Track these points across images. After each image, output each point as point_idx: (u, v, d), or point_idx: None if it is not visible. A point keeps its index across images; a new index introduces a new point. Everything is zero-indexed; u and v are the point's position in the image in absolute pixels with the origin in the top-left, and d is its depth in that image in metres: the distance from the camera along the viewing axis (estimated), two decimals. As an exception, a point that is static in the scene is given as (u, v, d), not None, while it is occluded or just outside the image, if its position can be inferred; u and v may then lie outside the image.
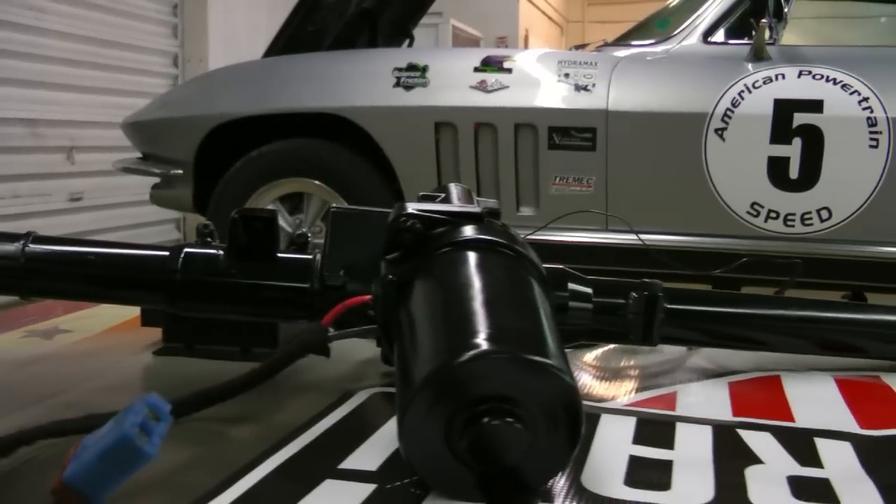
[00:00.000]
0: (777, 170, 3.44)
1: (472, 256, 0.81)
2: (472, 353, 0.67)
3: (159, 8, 7.05)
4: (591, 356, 1.18)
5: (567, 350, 1.13)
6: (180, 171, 4.03)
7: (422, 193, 0.97)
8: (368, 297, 0.87)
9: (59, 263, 1.08)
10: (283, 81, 3.98)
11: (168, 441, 0.85)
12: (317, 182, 3.79)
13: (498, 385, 0.67)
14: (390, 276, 0.82)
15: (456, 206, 0.90)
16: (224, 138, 3.93)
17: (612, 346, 1.20)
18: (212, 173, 3.95)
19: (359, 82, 3.83)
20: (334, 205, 1.09)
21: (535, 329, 0.74)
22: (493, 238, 0.83)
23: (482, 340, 0.68)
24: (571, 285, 1.01)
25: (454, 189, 1.01)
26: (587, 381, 1.07)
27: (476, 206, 0.90)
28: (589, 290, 1.01)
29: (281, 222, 3.80)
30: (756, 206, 3.47)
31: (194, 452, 0.85)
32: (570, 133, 3.56)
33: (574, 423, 0.69)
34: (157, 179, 4.20)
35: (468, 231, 0.84)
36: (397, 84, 3.71)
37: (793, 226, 3.48)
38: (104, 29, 6.25)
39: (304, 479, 0.75)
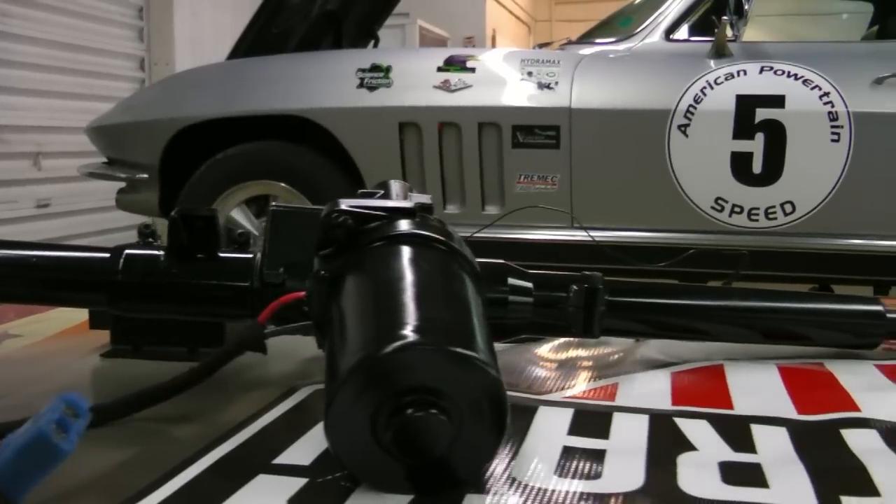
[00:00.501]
0: (740, 165, 3.46)
1: (402, 251, 0.81)
2: (397, 344, 0.67)
3: (124, 11, 7.01)
4: (534, 349, 1.19)
5: (511, 343, 1.14)
6: (146, 176, 4.01)
7: (361, 190, 0.98)
8: (303, 293, 0.87)
9: (2, 266, 1.08)
10: (247, 84, 3.97)
11: (107, 441, 0.86)
12: (282, 184, 3.79)
13: (423, 377, 0.67)
14: (322, 272, 0.83)
15: (387, 201, 0.91)
16: (190, 141, 3.91)
17: (560, 339, 1.21)
18: (178, 177, 3.93)
19: (323, 84, 3.83)
20: (274, 203, 1.09)
21: (462, 322, 0.74)
22: (424, 233, 0.83)
23: (409, 332, 0.68)
24: (511, 280, 1.01)
25: (394, 185, 1.01)
26: (530, 374, 1.08)
27: (408, 201, 0.91)
28: (529, 285, 1.02)
29: (247, 225, 3.80)
30: (720, 201, 3.50)
31: (133, 452, 0.85)
32: (534, 131, 3.57)
33: (499, 416, 0.69)
34: (122, 184, 4.17)
35: (399, 226, 0.84)
36: (361, 85, 3.71)
37: (757, 220, 3.50)
38: (69, 33, 6.22)
39: (237, 475, 0.75)
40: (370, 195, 0.95)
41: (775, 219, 3.49)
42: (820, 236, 3.52)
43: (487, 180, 3.68)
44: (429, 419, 0.66)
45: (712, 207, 3.51)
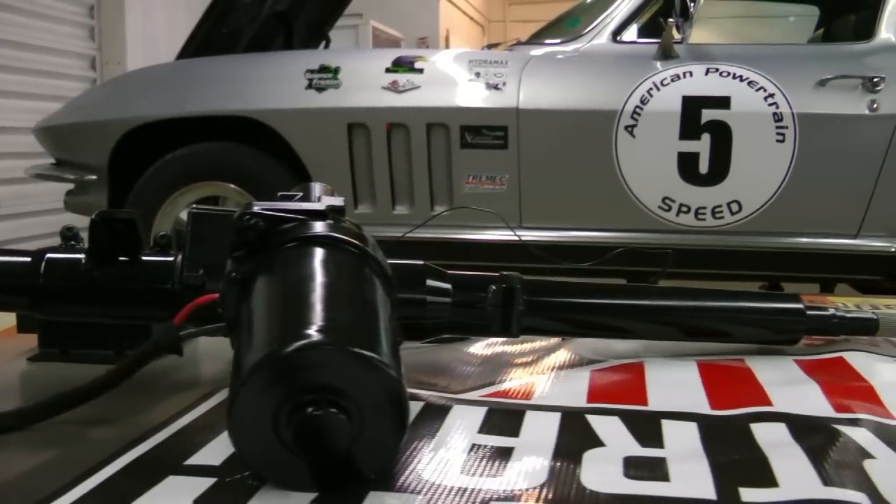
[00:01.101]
0: (687, 165, 3.49)
1: (311, 252, 0.82)
2: (299, 343, 0.68)
3: (75, 10, 6.95)
4: (460, 349, 1.20)
5: (434, 343, 1.15)
6: (94, 177, 3.98)
7: (281, 193, 0.98)
8: (216, 294, 0.88)
9: None
10: (196, 84, 3.96)
11: (24, 445, 0.86)
12: (232, 186, 3.78)
13: (324, 376, 0.68)
14: (234, 274, 0.83)
15: (298, 203, 0.91)
16: (139, 142, 3.89)
17: (484, 339, 1.22)
18: (127, 178, 3.91)
19: (271, 85, 3.82)
20: (194, 205, 1.09)
21: (366, 324, 0.75)
22: (334, 235, 0.84)
23: (312, 332, 0.69)
24: (429, 281, 1.02)
25: (315, 187, 1.02)
26: (452, 373, 1.08)
27: (319, 203, 0.91)
28: (447, 286, 1.03)
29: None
30: (667, 201, 3.53)
31: (50, 455, 0.85)
32: (482, 132, 3.58)
33: (399, 415, 0.70)
34: (71, 186, 4.15)
35: (309, 228, 0.85)
36: (309, 86, 3.71)
37: (704, 219, 3.53)
38: (19, 31, 6.15)
39: (148, 476, 0.75)
40: (289, 198, 0.96)
41: (722, 218, 3.53)
42: (767, 235, 3.56)
43: (436, 181, 3.69)
44: (328, 417, 0.67)
45: (659, 207, 3.54)
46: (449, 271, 1.05)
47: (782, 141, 3.44)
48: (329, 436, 0.68)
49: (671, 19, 3.50)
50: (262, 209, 0.86)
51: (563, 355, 1.16)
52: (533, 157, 3.59)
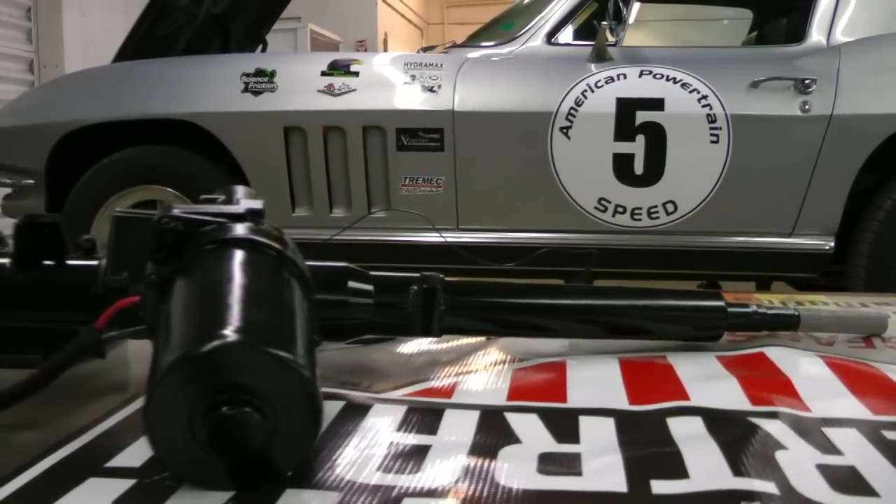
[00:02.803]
0: (622, 166, 3.54)
1: (229, 255, 0.82)
2: (214, 343, 0.68)
3: (12, 12, 6.88)
4: (384, 349, 1.20)
5: (358, 344, 1.16)
6: (32, 181, 3.96)
7: (203, 196, 0.98)
8: (137, 297, 0.88)
9: None
10: (133, 87, 3.95)
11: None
12: (170, 189, 3.76)
13: (239, 375, 0.69)
14: (153, 276, 0.84)
15: (217, 206, 0.92)
16: (77, 146, 3.86)
17: (408, 339, 1.23)
18: (65, 182, 3.88)
19: (208, 88, 3.82)
20: (118, 209, 1.09)
21: (281, 324, 0.76)
22: (251, 237, 0.84)
23: (227, 332, 0.70)
24: (351, 283, 1.03)
25: (238, 190, 1.02)
26: (375, 373, 1.09)
27: (238, 206, 0.92)
28: (369, 287, 1.04)
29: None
30: (603, 202, 3.56)
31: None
32: (418, 134, 3.60)
33: (313, 413, 0.71)
34: (9, 190, 4.11)
35: (228, 230, 0.85)
36: (246, 89, 3.71)
37: (640, 219, 3.58)
38: (-45, 34, 6.09)
39: (68, 479, 0.75)
40: (211, 201, 0.96)
41: (658, 218, 3.57)
42: (702, 234, 3.62)
43: (373, 183, 3.70)
44: (242, 416, 0.68)
45: (595, 208, 3.58)
46: (371, 272, 1.06)
47: (716, 142, 3.49)
48: (243, 434, 0.69)
49: (605, 22, 3.53)
50: (181, 212, 0.86)
51: (488, 355, 1.17)
52: (469, 158, 3.62)
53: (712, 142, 3.50)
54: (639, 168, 3.54)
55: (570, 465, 0.77)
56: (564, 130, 3.52)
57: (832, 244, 3.57)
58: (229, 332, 0.70)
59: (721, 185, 3.53)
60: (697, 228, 3.60)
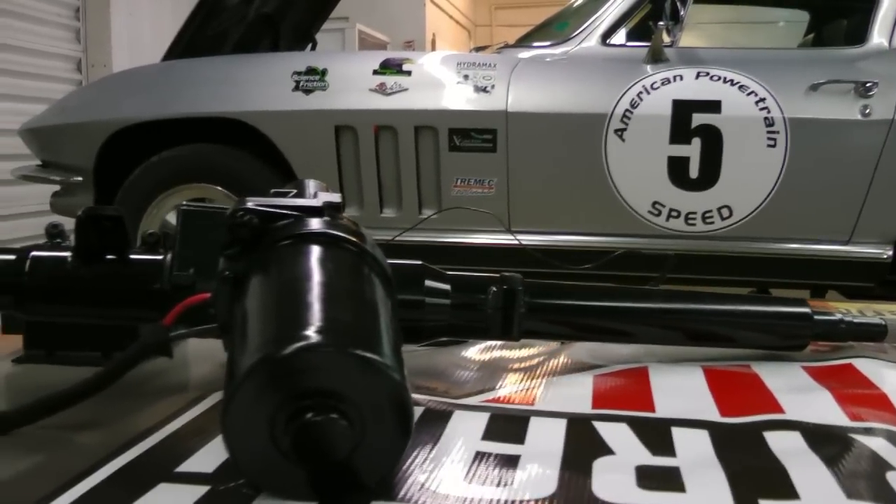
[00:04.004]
0: (677, 169, 3.48)
1: (308, 250, 0.78)
2: (297, 345, 0.64)
3: (60, 12, 6.91)
4: (458, 352, 1.16)
5: (432, 347, 1.12)
6: (80, 179, 3.96)
7: (274, 190, 0.94)
8: (208, 294, 0.84)
9: None
10: (183, 85, 3.94)
11: (5, 451, 0.82)
12: (219, 188, 3.75)
13: (324, 379, 0.64)
14: (226, 272, 0.80)
15: (294, 199, 0.88)
16: (125, 144, 3.85)
17: (481, 342, 1.18)
18: (114, 180, 3.88)
19: (258, 86, 3.80)
20: (184, 202, 1.05)
21: (367, 324, 0.71)
22: (331, 232, 0.80)
23: (310, 333, 0.65)
24: (428, 282, 0.98)
25: (309, 184, 0.99)
26: (451, 377, 1.05)
27: (316, 199, 0.88)
28: (447, 287, 0.99)
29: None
30: (657, 206, 3.51)
31: (33, 462, 0.81)
32: (471, 135, 3.56)
33: (403, 421, 0.66)
34: (57, 187, 4.11)
35: (305, 225, 0.81)
36: (297, 88, 3.69)
37: (694, 224, 3.52)
38: (3, 33, 6.11)
39: (137, 484, 0.71)
40: (283, 194, 0.92)
41: (712, 223, 3.52)
42: (757, 240, 3.55)
43: (424, 184, 3.67)
44: (328, 423, 0.64)
45: (649, 212, 3.52)
46: (447, 272, 1.02)
47: (773, 146, 3.43)
48: (329, 443, 0.64)
49: (661, 22, 3.48)
50: (257, 205, 0.82)
51: (561, 360, 1.13)
52: (521, 160, 3.57)
53: (769, 146, 3.44)
54: (694, 171, 3.49)
55: (670, 479, 0.72)
56: (619, 132, 3.47)
57: (891, 253, 3.50)
58: (312, 333, 0.66)
59: (777, 191, 3.46)
60: (752, 234, 3.54)
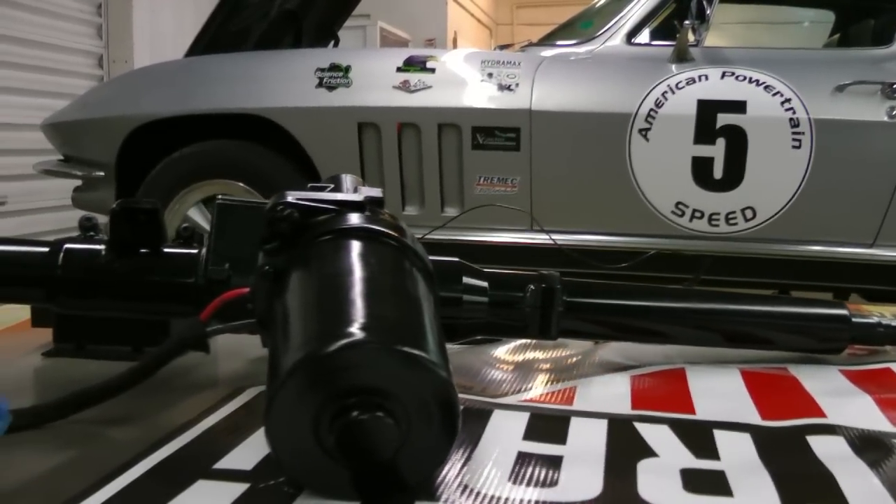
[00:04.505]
0: (701, 170, 3.45)
1: (349, 245, 0.77)
2: (342, 342, 0.63)
3: (83, 7, 6.93)
4: (492, 351, 1.15)
5: (464, 345, 1.11)
6: (102, 174, 3.96)
7: (311, 184, 0.93)
8: (247, 289, 0.83)
9: None
10: (205, 82, 3.93)
11: (42, 445, 0.81)
12: (240, 184, 3.74)
13: (369, 377, 0.63)
14: (266, 267, 0.79)
15: (335, 194, 0.87)
16: (147, 139, 3.85)
17: (515, 341, 1.17)
18: (135, 175, 3.87)
19: (281, 83, 3.79)
20: (220, 196, 1.04)
21: (411, 321, 0.70)
22: (373, 227, 0.79)
23: (354, 330, 0.64)
24: (466, 279, 0.97)
25: (345, 179, 0.98)
26: (486, 376, 1.04)
27: (358, 194, 0.87)
28: (484, 284, 0.98)
29: (205, 224, 3.75)
30: (681, 206, 3.48)
31: (69, 456, 0.80)
32: (494, 133, 3.54)
33: (449, 419, 0.65)
34: (79, 182, 4.12)
35: (347, 219, 0.80)
36: (320, 84, 3.68)
37: (717, 225, 3.49)
38: (26, 28, 6.14)
39: (176, 480, 0.71)
40: (321, 188, 0.91)
41: (736, 224, 3.49)
42: (780, 242, 3.52)
43: (447, 182, 3.65)
44: (374, 422, 0.63)
45: (672, 212, 3.50)
46: (484, 269, 1.00)
47: (798, 147, 3.40)
48: (375, 442, 0.63)
49: (687, 21, 3.46)
50: (297, 199, 0.81)
51: (596, 359, 1.12)
52: (545, 159, 3.55)
53: (794, 147, 3.41)
54: (718, 172, 3.46)
55: (716, 483, 0.71)
56: (643, 132, 3.45)
57: (915, 256, 3.47)
58: (356, 330, 0.65)
59: (802, 192, 3.43)
60: (775, 236, 3.51)
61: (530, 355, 1.15)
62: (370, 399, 0.63)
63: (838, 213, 3.50)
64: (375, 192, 0.87)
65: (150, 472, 0.73)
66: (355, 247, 0.77)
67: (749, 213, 3.47)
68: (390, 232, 0.79)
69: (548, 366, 1.09)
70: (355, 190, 0.91)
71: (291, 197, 0.82)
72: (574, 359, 1.12)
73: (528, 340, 1.16)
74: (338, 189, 0.93)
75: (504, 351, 1.16)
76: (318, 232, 0.79)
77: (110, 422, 0.89)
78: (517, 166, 3.56)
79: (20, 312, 1.33)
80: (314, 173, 3.66)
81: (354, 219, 0.80)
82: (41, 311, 1.20)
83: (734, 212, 3.48)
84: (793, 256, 3.54)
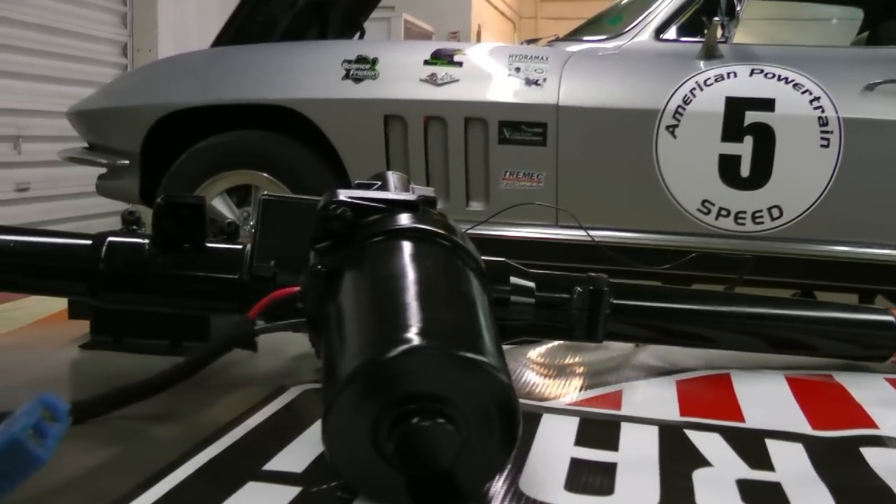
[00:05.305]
0: (728, 168, 3.43)
1: (404, 246, 0.76)
2: (401, 348, 0.62)
3: (108, -4, 6.95)
4: (533, 353, 1.14)
5: (508, 347, 1.10)
6: (126, 162, 3.96)
7: (357, 181, 0.92)
8: (296, 288, 0.82)
9: None
10: (231, 72, 3.93)
11: (84, 442, 0.80)
12: (265, 174, 3.74)
13: (429, 383, 0.62)
14: (318, 266, 0.78)
15: (389, 193, 0.85)
16: (172, 128, 3.85)
17: (555, 342, 1.16)
18: (160, 164, 3.88)
19: (308, 74, 3.78)
20: (265, 192, 1.03)
21: (469, 324, 0.69)
22: (428, 227, 0.78)
23: (413, 335, 0.63)
24: (513, 279, 0.96)
25: (391, 176, 0.97)
26: (530, 379, 1.03)
27: (411, 193, 0.86)
28: (531, 285, 0.97)
29: (229, 215, 3.75)
30: (707, 204, 3.47)
31: (112, 454, 0.80)
32: (521, 128, 3.53)
33: (510, 426, 0.64)
34: (103, 170, 4.12)
35: (401, 219, 0.79)
36: (346, 76, 3.66)
37: (744, 224, 3.47)
38: (52, 16, 6.15)
39: (225, 481, 0.70)
40: (367, 186, 0.90)
41: (762, 223, 3.47)
42: (806, 242, 3.49)
43: (472, 176, 3.64)
44: (435, 429, 0.62)
45: (699, 210, 3.48)
46: (530, 269, 0.99)
47: (826, 146, 3.37)
48: (435, 449, 0.62)
49: (716, 17, 3.43)
50: (350, 197, 0.80)
51: (638, 362, 1.11)
52: (571, 154, 3.54)
53: (822, 146, 3.38)
54: (745, 170, 3.43)
55: (774, 496, 0.70)
56: (671, 129, 3.43)
57: (943, 258, 3.44)
58: (414, 335, 0.64)
59: (829, 192, 3.41)
60: (802, 235, 3.48)
61: (568, 357, 1.14)
62: (430, 405, 0.62)
63: (866, 214, 3.48)
64: (428, 192, 0.86)
65: (198, 472, 0.73)
66: (410, 248, 0.76)
67: (776, 212, 3.45)
68: (444, 232, 0.78)
69: (589, 368, 1.08)
70: (406, 188, 0.90)
71: (344, 195, 0.81)
72: (615, 362, 1.11)
73: (561, 342, 1.15)
74: (384, 187, 0.92)
75: (540, 352, 1.15)
76: (372, 232, 0.78)
77: (151, 419, 0.88)
78: (543, 161, 3.54)
79: (53, 303, 1.33)
80: (339, 165, 3.65)
81: (408, 219, 0.79)
82: (78, 302, 1.20)
83: (761, 210, 3.46)
84: (819, 257, 3.51)
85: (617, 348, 1.15)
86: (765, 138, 3.40)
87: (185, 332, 1.13)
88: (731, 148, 3.43)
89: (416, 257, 0.75)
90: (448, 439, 0.62)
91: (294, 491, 0.68)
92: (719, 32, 3.49)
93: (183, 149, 3.84)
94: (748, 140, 3.42)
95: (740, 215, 3.47)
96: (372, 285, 0.74)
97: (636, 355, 1.13)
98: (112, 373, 1.06)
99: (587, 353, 1.15)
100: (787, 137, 3.39)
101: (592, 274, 1.00)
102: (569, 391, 0.97)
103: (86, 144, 4.23)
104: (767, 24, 5.49)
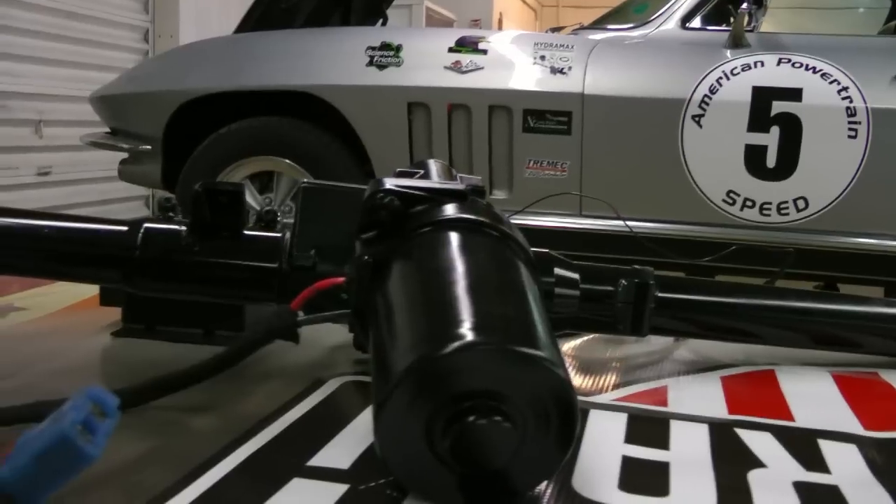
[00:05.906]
0: (754, 158, 3.40)
1: (454, 237, 0.74)
2: (456, 344, 0.60)
3: (130, -18, 6.94)
4: (573, 346, 1.12)
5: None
6: (149, 147, 3.96)
7: (399, 170, 0.90)
8: (341, 279, 0.80)
9: (10, 237, 1.00)
10: (254, 58, 3.91)
11: (122, 433, 0.78)
12: (287, 161, 3.73)
13: (484, 379, 0.60)
14: (366, 257, 0.76)
15: (438, 182, 0.83)
16: (194, 114, 3.84)
17: (594, 335, 1.14)
18: (182, 149, 3.87)
19: (332, 60, 3.76)
20: (305, 180, 1.02)
21: (524, 317, 0.67)
22: (478, 218, 0.76)
23: (467, 330, 0.61)
24: (558, 270, 0.94)
25: (433, 165, 0.95)
26: (571, 373, 1.01)
27: (459, 183, 0.84)
28: (576, 276, 0.95)
29: (251, 201, 3.74)
30: (732, 195, 3.43)
31: (151, 446, 0.79)
32: (546, 116, 3.50)
33: (568, 422, 0.62)
34: (125, 155, 4.11)
35: (450, 210, 0.77)
36: (370, 63, 3.64)
37: (769, 215, 3.44)
38: (74, 1, 6.14)
39: (270, 477, 0.69)
40: (409, 175, 0.88)
41: (787, 214, 3.43)
42: (832, 234, 3.46)
43: (496, 164, 3.61)
44: (492, 427, 0.60)
45: (724, 200, 3.45)
46: (574, 261, 0.97)
47: (854, 137, 3.34)
48: (491, 447, 0.60)
49: (744, 6, 3.40)
50: (397, 186, 0.78)
51: (679, 357, 1.09)
52: (596, 143, 3.51)
53: (850, 137, 3.35)
54: (771, 161, 3.40)
55: (832, 500, 0.68)
56: (697, 119, 3.40)
57: (970, 251, 3.41)
58: (469, 330, 0.62)
59: (856, 183, 3.37)
60: (827, 227, 3.45)
61: (609, 351, 1.12)
62: (486, 403, 0.60)
63: (892, 205, 3.44)
64: (475, 180, 0.84)
65: (240, 467, 0.71)
66: (460, 239, 0.74)
67: (801, 204, 3.42)
68: (493, 223, 0.76)
69: (629, 363, 1.07)
70: (448, 177, 0.88)
71: (390, 184, 0.79)
72: (656, 356, 1.09)
73: (599, 335, 1.13)
74: (427, 175, 0.90)
75: (581, 345, 1.13)
76: (421, 222, 0.76)
77: (189, 409, 0.87)
78: (568, 150, 3.52)
79: (83, 288, 1.31)
80: (362, 152, 3.64)
81: (457, 209, 0.77)
82: (110, 289, 1.18)
83: (786, 202, 3.43)
84: (844, 249, 3.48)
85: (656, 342, 1.13)
86: (792, 128, 3.36)
87: (220, 321, 1.12)
88: (758, 138, 3.40)
89: (467, 249, 0.73)
90: (505, 437, 0.60)
91: (342, 488, 0.67)
92: (746, 21, 3.45)
93: (205, 134, 3.82)
94: (775, 130, 3.38)
95: (765, 206, 3.44)
96: (422, 278, 0.72)
97: (676, 349, 1.11)
98: (146, 361, 1.05)
99: (626, 346, 1.13)
100: (814, 128, 3.35)
101: (638, 266, 0.98)
102: (612, 386, 0.95)
103: (108, 129, 4.22)
104: (794, 12, 5.45)
